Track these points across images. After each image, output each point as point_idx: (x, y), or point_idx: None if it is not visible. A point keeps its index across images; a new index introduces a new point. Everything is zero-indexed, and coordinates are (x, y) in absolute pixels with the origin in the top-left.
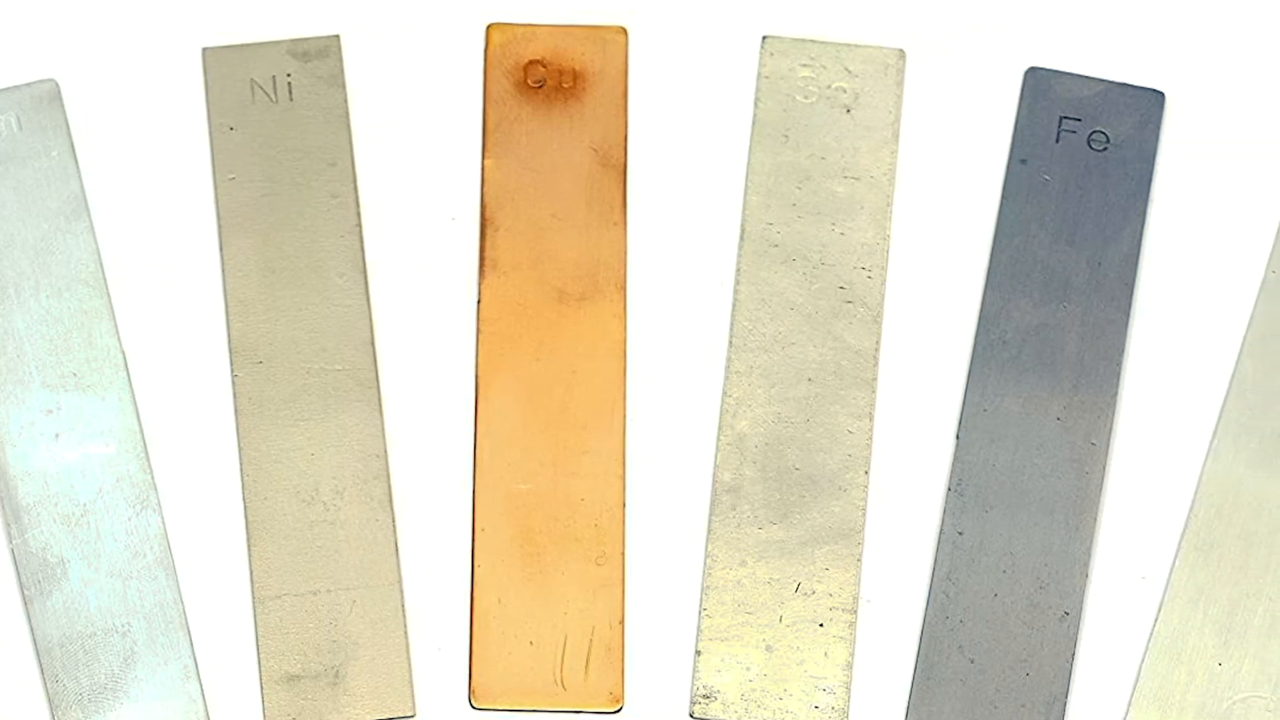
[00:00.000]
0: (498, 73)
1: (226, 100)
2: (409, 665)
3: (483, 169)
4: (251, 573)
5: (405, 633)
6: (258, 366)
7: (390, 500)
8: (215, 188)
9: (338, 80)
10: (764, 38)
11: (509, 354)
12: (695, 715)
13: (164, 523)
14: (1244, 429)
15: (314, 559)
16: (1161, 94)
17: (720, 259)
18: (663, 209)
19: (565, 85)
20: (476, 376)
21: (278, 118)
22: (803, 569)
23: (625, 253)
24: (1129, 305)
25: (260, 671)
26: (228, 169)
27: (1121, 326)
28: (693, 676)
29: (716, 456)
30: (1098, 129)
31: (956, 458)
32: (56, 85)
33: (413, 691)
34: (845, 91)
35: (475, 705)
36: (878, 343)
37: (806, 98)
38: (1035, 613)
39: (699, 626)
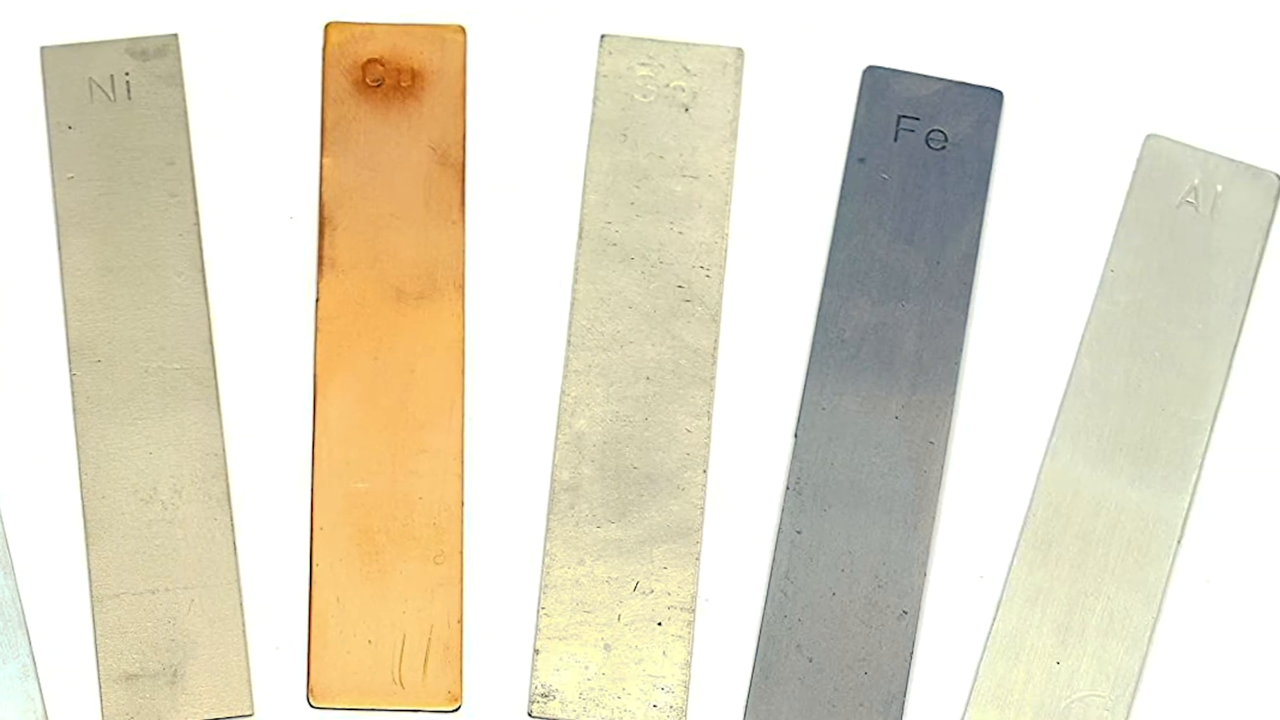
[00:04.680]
0: (336, 71)
1: (65, 99)
2: (247, 664)
3: (321, 168)
4: (90, 571)
5: (243, 632)
6: (96, 365)
7: (229, 499)
8: (54, 187)
9: (176, 79)
10: (602, 36)
11: (347, 353)
12: (534, 714)
13: (2, 521)
14: (1082, 428)
15: (152, 558)
16: (999, 93)
17: (559, 258)
18: (501, 208)
19: (404, 84)
20: (315, 375)
21: (116, 117)
22: (641, 568)
23: (463, 252)
24: (967, 304)
25: (99, 670)
26: (66, 168)
27: (960, 325)
28: (531, 675)
29: (555, 455)
30: (936, 128)
31: (795, 456)
32: None
33: (251, 690)
34: (684, 90)
35: (314, 704)
36: (716, 342)
37: (645, 96)
38: (873, 611)
39: (537, 625)
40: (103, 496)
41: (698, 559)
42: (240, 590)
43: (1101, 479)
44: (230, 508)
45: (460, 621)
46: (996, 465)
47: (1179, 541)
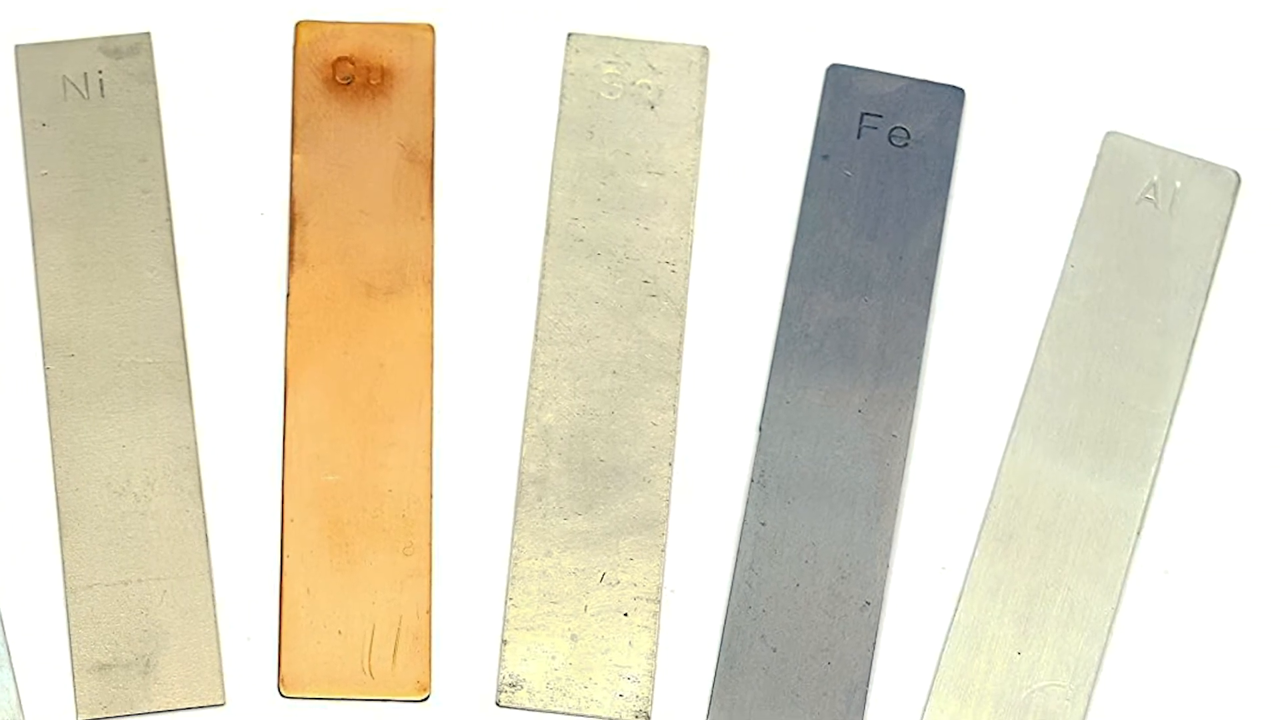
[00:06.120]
0: (306, 69)
1: (39, 97)
2: (219, 654)
3: (292, 164)
4: (63, 563)
5: (215, 622)
6: (69, 359)
7: (200, 491)
8: (28, 183)
9: (149, 77)
10: (569, 35)
11: (317, 347)
12: (501, 704)
13: None
14: (1042, 421)
15: (125, 549)
16: (961, 90)
17: (526, 253)
18: (469, 204)
19: (373, 82)
20: (285, 369)
21: (89, 114)
22: (607, 559)
23: (432, 247)
24: (929, 299)
25: (72, 660)
26: (40, 164)
27: (922, 320)
28: (499, 665)
29: (522, 448)
30: (899, 125)
31: (759, 449)
32: None
33: (223, 680)
34: (649, 88)
35: (284, 694)
36: (681, 336)
37: (611, 94)
38: (837, 602)
39: (505, 616)
40: (76, 489)
41: (663, 550)
42: (212, 581)
43: (1062, 471)
44: (202, 500)
45: (429, 612)
46: (958, 458)
47: (1138, 533)
